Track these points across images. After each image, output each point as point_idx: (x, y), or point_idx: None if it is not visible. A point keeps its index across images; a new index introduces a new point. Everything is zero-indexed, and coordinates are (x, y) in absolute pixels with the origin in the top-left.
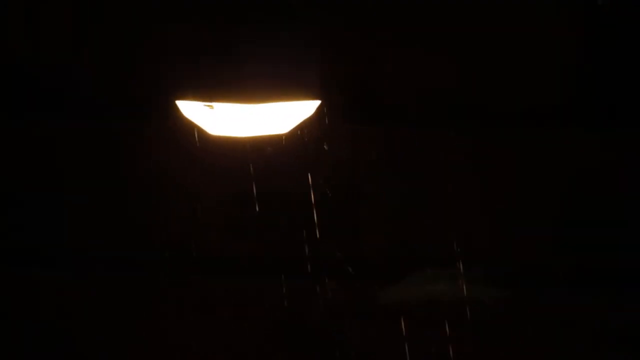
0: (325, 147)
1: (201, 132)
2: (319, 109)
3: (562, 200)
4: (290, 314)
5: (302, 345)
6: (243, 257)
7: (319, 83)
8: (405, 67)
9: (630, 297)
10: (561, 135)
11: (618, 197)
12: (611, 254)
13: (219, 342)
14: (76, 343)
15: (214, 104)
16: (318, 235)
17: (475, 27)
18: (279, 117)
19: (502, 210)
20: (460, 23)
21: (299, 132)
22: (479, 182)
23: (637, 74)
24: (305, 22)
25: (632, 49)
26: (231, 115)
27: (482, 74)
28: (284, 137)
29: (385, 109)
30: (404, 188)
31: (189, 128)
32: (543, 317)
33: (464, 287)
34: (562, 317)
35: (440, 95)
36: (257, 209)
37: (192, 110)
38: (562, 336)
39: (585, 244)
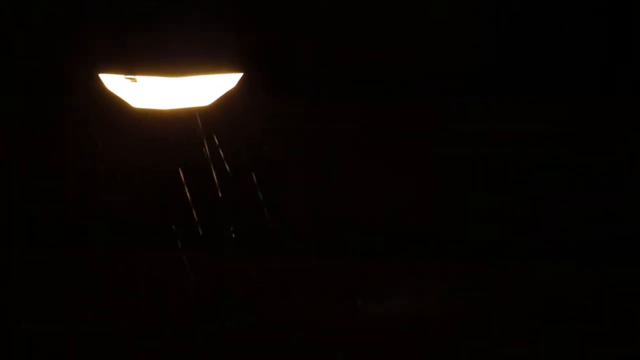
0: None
1: (124, 104)
2: (240, 82)
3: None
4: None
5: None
6: (159, 228)
7: (241, 56)
8: (320, 38)
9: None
10: (477, 105)
11: (533, 167)
12: (533, 223)
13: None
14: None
15: (136, 76)
16: (233, 208)
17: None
18: (201, 90)
19: (421, 183)
20: None
21: (220, 104)
22: (394, 154)
23: (549, 43)
24: None
25: (543, 19)
26: (154, 88)
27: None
28: (205, 110)
29: (305, 81)
30: (321, 160)
31: (112, 100)
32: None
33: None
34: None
35: (351, 68)
36: (175, 180)
37: (114, 83)
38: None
39: (501, 216)
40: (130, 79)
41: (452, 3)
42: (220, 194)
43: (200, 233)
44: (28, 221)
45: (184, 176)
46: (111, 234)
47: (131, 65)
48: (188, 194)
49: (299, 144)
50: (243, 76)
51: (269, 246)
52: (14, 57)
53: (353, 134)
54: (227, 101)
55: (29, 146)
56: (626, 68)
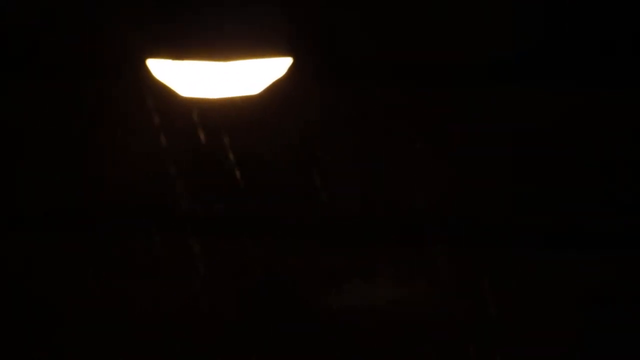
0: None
1: (172, 92)
2: (290, 70)
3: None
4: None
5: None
6: (215, 217)
7: (290, 40)
8: (371, 29)
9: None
10: (515, 91)
11: (570, 156)
12: (569, 213)
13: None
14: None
15: (184, 62)
16: (289, 196)
17: None
18: (250, 77)
19: (461, 169)
20: None
21: (269, 93)
22: (438, 141)
23: (591, 33)
24: None
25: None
26: (202, 74)
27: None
28: (255, 99)
29: (353, 68)
30: (368, 149)
31: (160, 88)
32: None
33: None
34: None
35: (402, 55)
36: (229, 169)
37: (162, 69)
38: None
39: (540, 203)
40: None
41: None
42: (267, 184)
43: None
44: (64, 210)
45: (231, 164)
46: (163, 224)
47: (179, 49)
48: (239, 180)
49: (348, 134)
50: (292, 64)
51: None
52: (58, 41)
53: (401, 124)
54: (276, 90)
55: (71, 133)
56: None
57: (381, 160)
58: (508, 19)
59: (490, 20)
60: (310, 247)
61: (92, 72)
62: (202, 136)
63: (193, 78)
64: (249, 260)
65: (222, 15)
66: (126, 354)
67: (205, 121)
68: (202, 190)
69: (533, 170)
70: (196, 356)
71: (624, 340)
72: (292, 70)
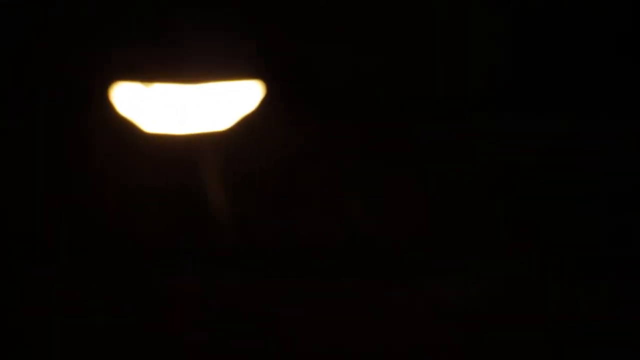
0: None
1: (135, 128)
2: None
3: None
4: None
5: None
6: (183, 249)
7: (259, 62)
8: (338, 54)
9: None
10: (491, 123)
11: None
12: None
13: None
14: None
15: (153, 84)
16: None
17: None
18: (217, 113)
19: (436, 199)
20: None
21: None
22: (414, 171)
23: (560, 60)
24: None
25: (555, 37)
26: (169, 104)
27: (410, 63)
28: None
29: (323, 93)
30: (341, 175)
31: (123, 124)
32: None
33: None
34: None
35: (373, 84)
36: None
37: (126, 105)
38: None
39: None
40: (147, 85)
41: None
42: (231, 214)
43: (210, 253)
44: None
45: (193, 197)
46: (116, 253)
47: (147, 72)
48: (198, 213)
49: (318, 163)
50: (262, 99)
51: (284, 264)
52: (23, 69)
53: (374, 151)
54: (245, 125)
55: (34, 160)
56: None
57: (356, 188)
58: (482, 53)
59: (465, 52)
60: (283, 277)
61: (58, 102)
62: (168, 170)
63: (160, 110)
64: (220, 292)
65: (190, 38)
66: None
67: (172, 155)
68: (167, 225)
69: (514, 201)
70: None
71: None
72: (262, 101)
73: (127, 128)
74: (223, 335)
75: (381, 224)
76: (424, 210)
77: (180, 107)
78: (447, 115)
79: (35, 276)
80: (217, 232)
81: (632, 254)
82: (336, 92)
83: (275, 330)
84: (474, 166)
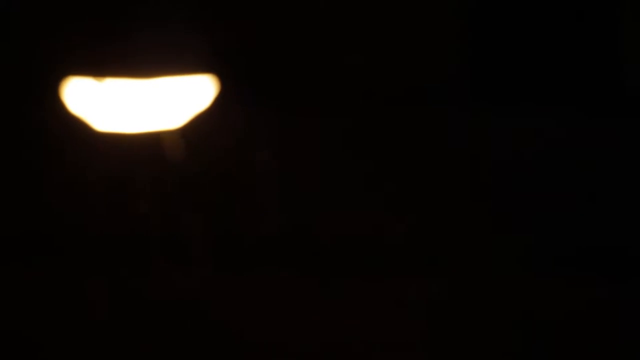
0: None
1: (87, 126)
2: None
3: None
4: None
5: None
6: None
7: (210, 56)
8: (292, 48)
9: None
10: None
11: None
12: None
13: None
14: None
15: (105, 79)
16: (209, 219)
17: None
18: (169, 111)
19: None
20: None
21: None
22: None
23: (515, 52)
24: None
25: (510, 29)
26: (121, 100)
27: (370, 55)
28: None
29: (277, 87)
30: (293, 169)
31: (75, 122)
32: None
33: None
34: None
35: (331, 76)
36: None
37: (79, 103)
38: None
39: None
40: (99, 80)
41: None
42: (191, 210)
43: (172, 248)
44: None
45: (151, 193)
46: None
47: (99, 67)
48: (156, 210)
49: (276, 158)
50: (215, 97)
51: (244, 260)
52: None
53: (333, 147)
54: (197, 122)
55: None
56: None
57: (312, 184)
58: (441, 43)
59: (428, 40)
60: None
61: (12, 94)
62: (120, 168)
63: (113, 108)
64: (188, 291)
65: (143, 32)
66: None
67: (124, 153)
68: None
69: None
70: None
71: None
72: (215, 97)
73: (79, 126)
74: (196, 334)
75: (324, 220)
76: (398, 207)
77: (133, 104)
78: (411, 108)
79: None
80: (180, 230)
81: (602, 247)
82: (291, 86)
83: (240, 330)
84: (449, 163)
